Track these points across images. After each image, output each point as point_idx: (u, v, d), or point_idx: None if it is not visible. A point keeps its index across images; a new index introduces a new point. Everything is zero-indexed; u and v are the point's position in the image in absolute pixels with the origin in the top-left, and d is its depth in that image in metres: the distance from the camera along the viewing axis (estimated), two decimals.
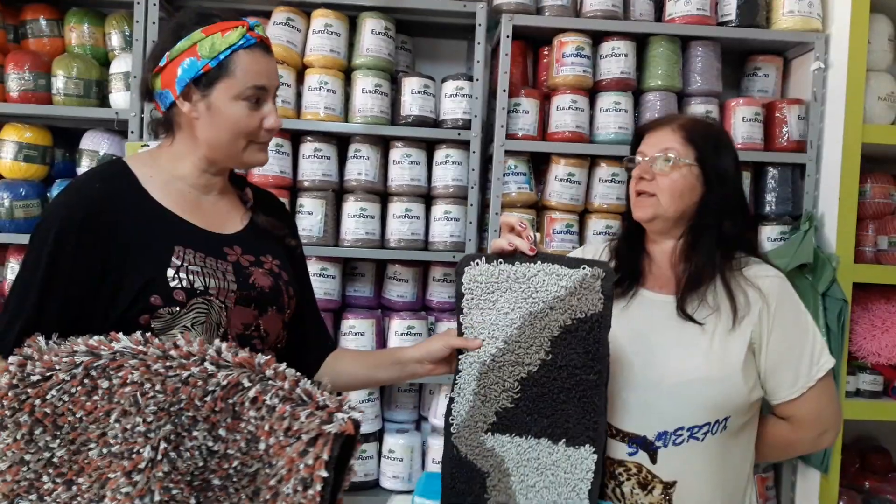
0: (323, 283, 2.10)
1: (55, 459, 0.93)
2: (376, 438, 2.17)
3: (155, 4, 2.02)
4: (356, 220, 2.10)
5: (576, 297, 1.09)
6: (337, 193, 2.15)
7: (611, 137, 2.11)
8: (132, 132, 2.02)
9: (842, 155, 2.02)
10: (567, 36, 2.10)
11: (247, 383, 0.91)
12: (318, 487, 0.86)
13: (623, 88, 2.13)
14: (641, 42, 2.16)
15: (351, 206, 2.10)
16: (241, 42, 1.10)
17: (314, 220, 2.07)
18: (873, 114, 2.07)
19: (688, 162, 1.27)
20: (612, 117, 2.11)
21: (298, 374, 0.93)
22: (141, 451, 0.89)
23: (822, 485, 2.02)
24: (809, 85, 2.13)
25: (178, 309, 1.05)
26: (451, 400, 1.14)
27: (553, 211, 2.15)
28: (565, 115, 2.10)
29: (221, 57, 1.09)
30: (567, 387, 1.09)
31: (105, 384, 0.91)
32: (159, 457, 0.89)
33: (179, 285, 1.06)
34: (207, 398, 0.91)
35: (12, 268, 2.10)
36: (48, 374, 0.92)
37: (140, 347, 0.93)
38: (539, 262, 1.10)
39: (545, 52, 2.22)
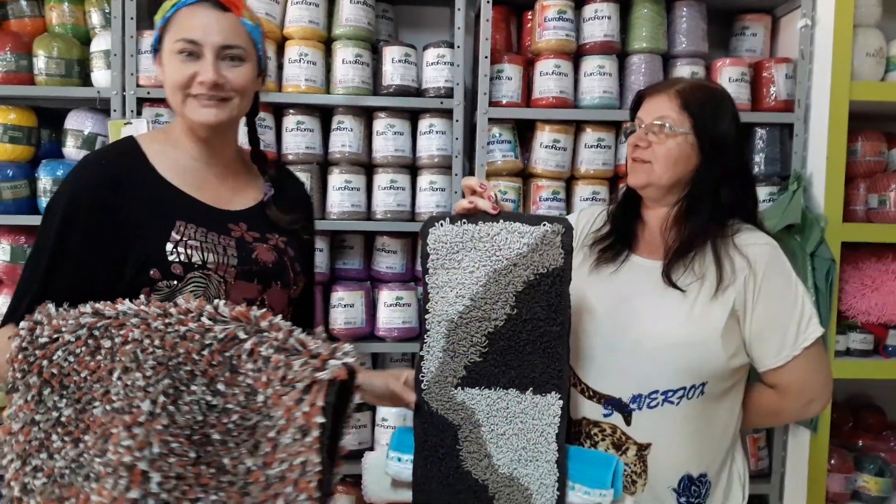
0: None
1: (63, 418, 1.00)
2: (370, 408, 2.24)
3: None
4: (341, 193, 2.15)
5: (537, 252, 1.15)
6: (321, 166, 2.20)
7: (595, 102, 2.15)
8: (114, 110, 2.08)
9: (829, 113, 2.05)
10: (549, 0, 2.13)
11: (242, 335, 0.97)
12: (316, 433, 0.92)
13: (607, 52, 2.16)
14: (625, 4, 2.19)
15: (336, 178, 2.16)
16: (183, 0, 1.17)
17: None
18: (862, 71, 2.10)
19: (682, 131, 1.28)
20: (597, 81, 2.15)
21: (292, 324, 0.98)
22: (140, 404, 0.94)
23: (812, 443, 2.09)
24: (797, 43, 2.16)
25: (175, 283, 1.12)
26: (421, 358, 1.21)
27: (539, 178, 2.20)
28: (549, 80, 2.14)
29: (168, 15, 1.18)
30: (532, 339, 1.16)
31: (108, 343, 0.98)
32: (158, 410, 0.95)
33: (177, 259, 1.12)
34: (205, 352, 0.96)
35: (4, 248, 2.18)
36: (55, 335, 0.99)
37: (142, 307, 0.99)
38: (501, 220, 1.16)
39: (529, 18, 2.26)
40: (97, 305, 1.00)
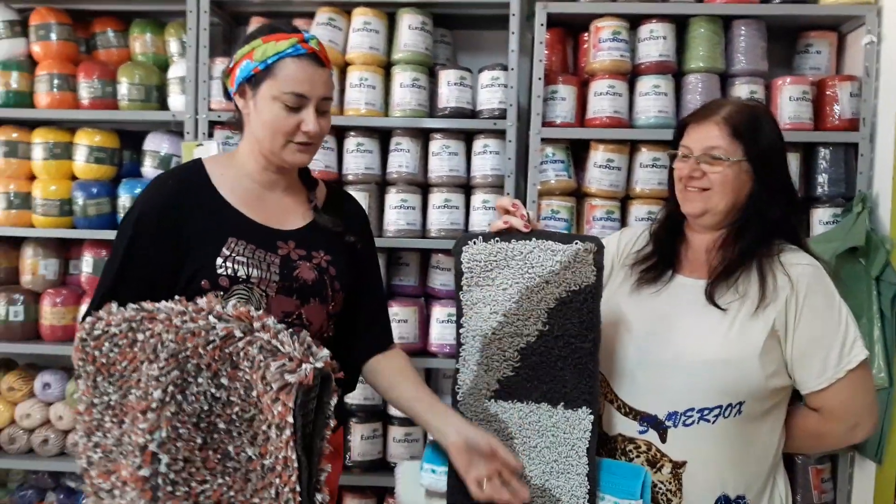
0: None
1: (112, 402, 1.16)
2: (381, 419, 2.35)
3: (206, 12, 2.26)
4: (398, 211, 2.28)
5: (570, 270, 1.21)
6: (379, 186, 2.33)
7: (651, 122, 2.20)
8: (188, 132, 2.28)
9: None
10: (603, 21, 2.21)
11: (238, 334, 1.10)
12: (288, 432, 1.04)
13: (662, 71, 2.21)
14: (681, 23, 2.24)
15: (393, 197, 2.29)
16: (289, 50, 1.29)
17: None
18: None
19: (737, 159, 1.31)
20: (652, 101, 2.20)
21: (282, 326, 1.11)
22: (153, 392, 1.09)
23: (878, 476, 2.04)
24: (863, 60, 2.15)
25: (222, 293, 1.26)
26: (456, 371, 1.29)
27: (593, 198, 2.26)
28: (603, 100, 2.20)
29: (269, 61, 1.29)
30: (564, 354, 1.22)
31: (141, 336, 1.13)
32: (167, 399, 1.09)
33: (225, 272, 1.27)
34: (209, 347, 1.10)
35: (87, 261, 2.41)
36: (106, 329, 1.16)
37: (171, 305, 1.14)
38: (534, 238, 1.24)
39: (584, 39, 2.33)
40: (142, 302, 1.16)
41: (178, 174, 1.40)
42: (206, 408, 1.11)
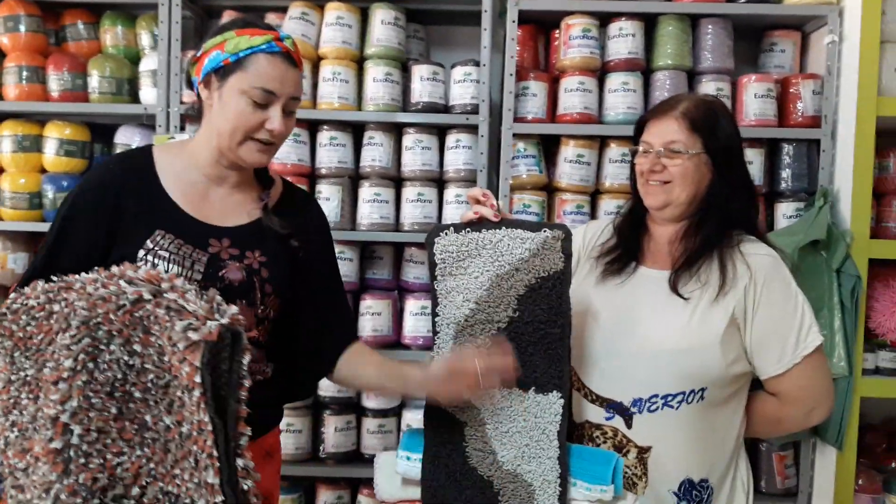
0: (341, 266, 2.25)
1: (28, 378, 1.13)
2: (395, 413, 2.36)
3: (178, 5, 2.25)
4: (371, 205, 2.29)
5: (538, 257, 1.24)
6: (353, 179, 2.34)
7: (620, 118, 2.24)
8: (160, 126, 2.27)
9: (856, 129, 2.10)
10: (574, 18, 2.24)
11: (147, 296, 1.06)
12: (198, 393, 1.00)
13: (632, 68, 2.25)
14: (650, 21, 2.28)
15: (366, 191, 2.30)
16: (263, 46, 1.25)
17: (331, 205, 2.27)
18: (890, 86, 2.13)
19: (695, 151, 1.35)
20: (621, 98, 2.24)
21: (191, 286, 1.08)
22: (64, 361, 1.05)
23: (839, 462, 2.11)
24: (825, 59, 2.21)
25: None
26: (432, 359, 1.31)
27: (563, 192, 2.29)
28: (573, 96, 2.24)
29: (241, 54, 1.25)
30: (534, 340, 1.25)
31: (57, 308, 1.10)
32: (79, 367, 1.05)
33: (144, 266, 1.22)
34: (120, 312, 1.06)
35: None
36: (25, 302, 1.13)
37: (90, 276, 1.11)
38: (504, 227, 1.26)
39: (556, 36, 2.36)
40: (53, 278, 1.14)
41: (121, 158, 1.38)
42: (119, 376, 1.07)
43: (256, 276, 1.30)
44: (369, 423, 2.33)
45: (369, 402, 2.33)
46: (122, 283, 1.08)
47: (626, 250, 1.45)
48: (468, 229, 1.28)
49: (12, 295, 1.17)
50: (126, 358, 1.08)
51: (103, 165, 1.34)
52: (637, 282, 1.41)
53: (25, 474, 1.11)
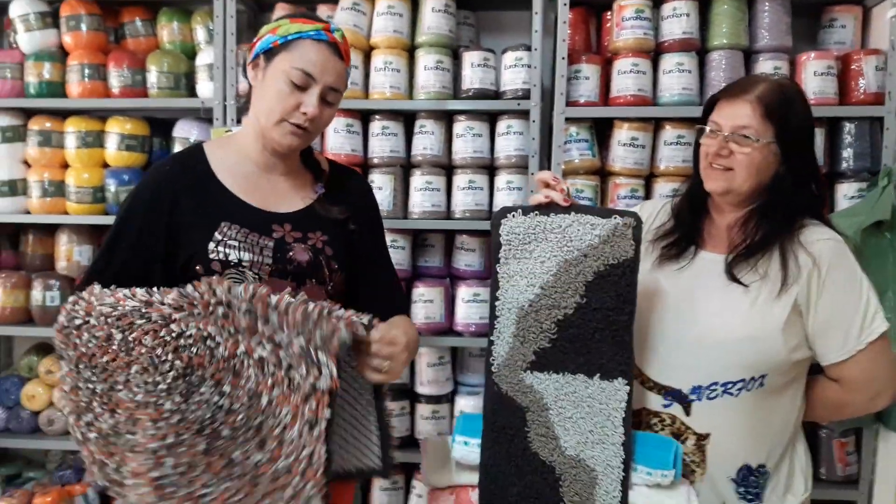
0: (394, 254, 2.27)
1: (97, 391, 1.19)
2: (448, 400, 2.36)
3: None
4: (423, 193, 2.28)
5: (608, 244, 1.22)
6: (404, 168, 2.34)
7: (675, 99, 2.19)
8: (217, 119, 2.30)
9: None
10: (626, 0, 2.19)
11: (241, 349, 1.12)
12: (323, 426, 1.08)
13: (686, 49, 2.19)
14: (705, 0, 2.22)
15: (418, 179, 2.29)
16: (312, 33, 1.30)
17: (384, 194, 2.27)
18: None
19: (766, 140, 1.30)
20: (676, 79, 2.19)
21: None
22: (164, 404, 1.13)
23: None
24: (888, 34, 2.11)
25: (215, 277, 1.26)
26: (491, 342, 1.30)
27: (617, 176, 2.25)
28: (626, 78, 2.19)
29: (289, 38, 1.29)
30: (601, 327, 1.24)
31: (119, 336, 1.15)
32: (174, 408, 1.13)
33: (217, 257, 1.28)
34: (213, 362, 1.13)
35: None
36: (86, 319, 1.17)
37: (144, 309, 1.14)
38: (573, 212, 1.25)
39: (607, 18, 2.31)
40: (119, 294, 1.17)
41: (176, 158, 1.41)
42: (208, 416, 1.13)
43: (321, 255, 1.34)
44: (423, 410, 2.35)
45: (423, 388, 2.34)
46: (209, 341, 1.13)
47: (684, 234, 1.42)
48: (536, 212, 1.27)
49: (70, 299, 1.21)
50: (216, 399, 1.13)
51: (158, 167, 1.38)
52: (697, 266, 1.38)
53: (117, 472, 1.19)
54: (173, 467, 1.13)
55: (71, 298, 1.20)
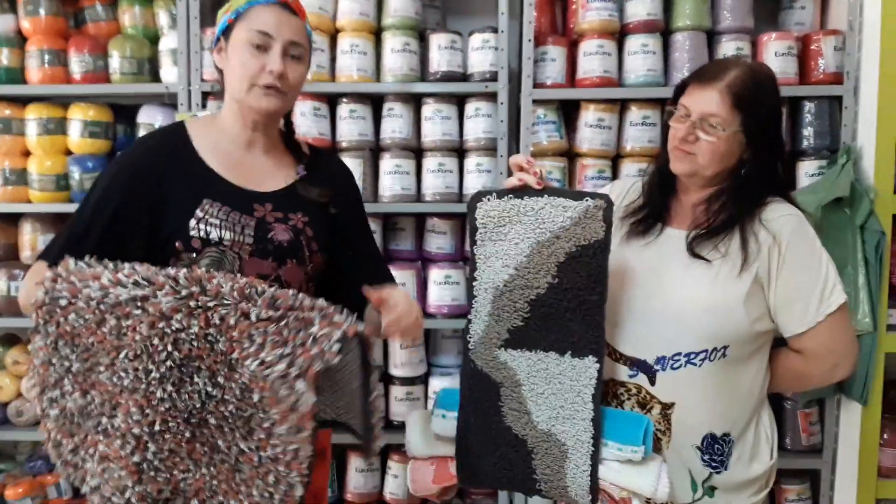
0: None
1: (73, 369, 1.14)
2: (422, 381, 2.31)
3: None
4: (392, 177, 2.22)
5: (580, 226, 1.20)
6: (373, 152, 2.27)
7: (640, 80, 2.15)
8: (181, 104, 2.20)
9: (879, 84, 2.00)
10: None
11: (247, 348, 1.09)
12: (307, 433, 1.07)
13: (651, 30, 2.15)
14: None
15: (387, 163, 2.23)
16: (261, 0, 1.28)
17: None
18: None
19: (733, 129, 1.29)
20: (641, 60, 2.14)
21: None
22: (155, 391, 1.09)
23: (864, 417, 2.05)
24: (846, 15, 2.09)
25: (194, 255, 1.24)
26: (468, 322, 1.28)
27: (585, 157, 2.21)
28: (593, 60, 2.14)
29: (241, 9, 1.28)
30: (572, 306, 1.22)
31: (112, 321, 1.10)
32: (165, 397, 1.09)
33: (197, 234, 1.24)
34: (212, 355, 1.09)
35: None
36: (72, 299, 1.11)
37: (140, 302, 1.09)
38: (546, 195, 1.22)
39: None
40: (104, 280, 1.11)
41: (159, 135, 1.36)
42: (198, 405, 1.11)
43: (302, 235, 1.32)
44: (397, 391, 2.29)
45: (396, 370, 2.29)
46: (212, 332, 1.09)
47: (652, 211, 1.41)
48: (510, 195, 1.24)
49: (47, 274, 1.13)
50: (209, 389, 1.10)
51: (140, 142, 1.33)
52: (662, 242, 1.38)
53: (74, 454, 1.14)
54: (155, 453, 1.09)
55: (49, 274, 1.13)
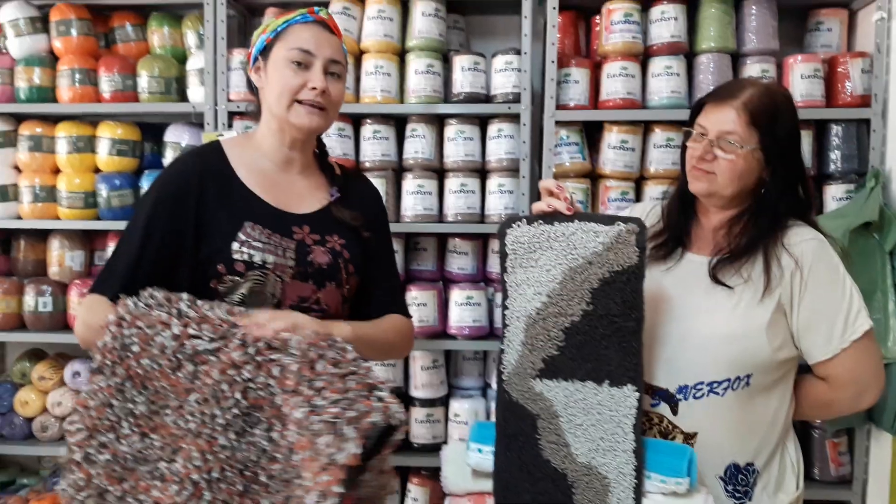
0: None
1: (136, 411, 1.08)
2: (442, 403, 2.25)
3: (223, 4, 2.15)
4: (415, 197, 2.17)
5: (612, 251, 1.15)
6: (396, 172, 2.23)
7: (664, 102, 2.10)
8: (208, 123, 2.18)
9: None
10: (615, 3, 2.10)
11: (299, 414, 1.03)
12: (333, 500, 0.99)
13: (674, 52, 2.10)
14: (693, 4, 2.13)
15: (409, 183, 2.18)
16: (298, 18, 1.26)
17: None
18: None
19: (750, 147, 1.25)
20: (665, 82, 2.09)
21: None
22: (218, 438, 1.04)
23: (895, 447, 1.95)
24: (874, 37, 2.03)
25: (238, 278, 1.20)
26: (502, 351, 1.22)
27: (608, 179, 2.16)
28: (616, 82, 2.10)
29: (279, 29, 1.26)
30: (608, 333, 1.16)
31: (190, 367, 1.06)
32: (228, 444, 1.05)
33: (241, 258, 1.20)
34: (272, 406, 1.05)
35: (111, 250, 2.29)
36: (145, 346, 1.08)
37: (213, 352, 1.06)
38: (576, 220, 1.17)
39: (596, 21, 2.22)
40: (175, 331, 1.07)
41: (197, 155, 1.31)
42: (253, 458, 1.06)
43: (340, 257, 1.29)
44: (417, 413, 2.23)
45: (417, 391, 2.23)
46: (271, 384, 1.05)
47: (672, 236, 1.36)
48: (540, 221, 1.19)
49: (111, 318, 1.09)
50: (264, 443, 1.06)
51: (179, 164, 1.29)
52: (683, 268, 1.33)
53: (121, 502, 1.08)
54: (209, 502, 1.05)
55: (112, 318, 1.09)
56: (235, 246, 1.20)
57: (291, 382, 1.03)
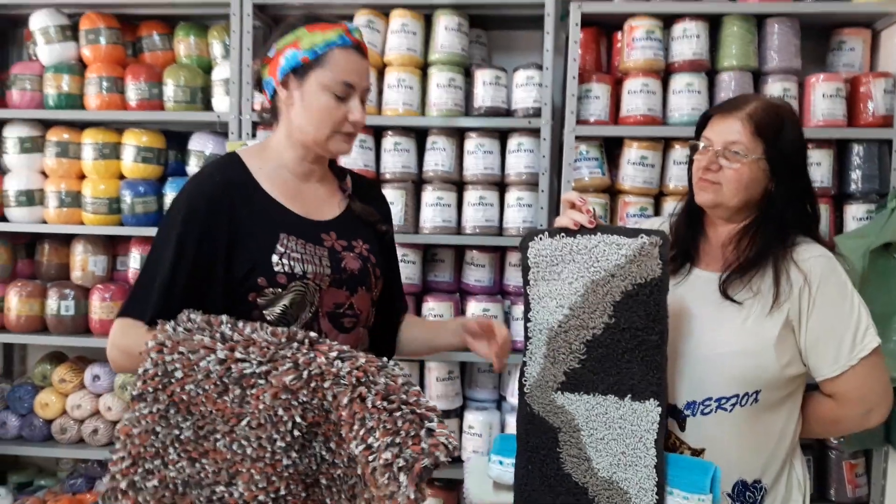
0: (404, 269, 2.18)
1: (182, 437, 1.06)
2: (457, 415, 2.22)
3: (249, 15, 2.16)
4: (434, 209, 2.16)
5: (635, 264, 1.13)
6: (416, 184, 2.22)
7: (685, 119, 2.08)
8: (232, 133, 2.19)
9: None
10: (637, 20, 2.09)
11: (356, 444, 1.01)
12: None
13: (696, 69, 2.09)
14: (715, 22, 2.12)
15: (429, 195, 2.17)
16: (337, 41, 1.21)
17: (395, 209, 2.15)
18: None
19: (755, 157, 1.24)
20: (686, 99, 2.08)
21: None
22: (281, 459, 1.03)
23: None
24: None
25: (280, 290, 1.18)
26: (524, 363, 1.21)
27: (627, 195, 2.14)
28: (636, 98, 2.08)
29: (318, 51, 1.20)
30: (630, 347, 1.14)
31: (237, 391, 1.04)
32: (290, 464, 1.03)
33: (282, 270, 1.18)
34: (328, 423, 1.04)
35: (134, 257, 2.31)
36: (188, 371, 1.05)
37: (262, 376, 1.03)
38: (599, 233, 1.15)
39: (618, 38, 2.21)
40: (220, 355, 1.03)
41: (220, 169, 1.26)
42: (314, 467, 1.06)
43: (368, 262, 1.30)
44: None
45: (432, 403, 2.19)
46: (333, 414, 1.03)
47: (680, 251, 1.35)
48: (562, 234, 1.18)
49: (150, 344, 1.05)
50: (323, 453, 1.06)
51: (205, 178, 1.24)
52: (691, 283, 1.31)
53: None
54: None
55: (151, 344, 1.05)
56: (275, 258, 1.18)
57: (345, 414, 1.00)
